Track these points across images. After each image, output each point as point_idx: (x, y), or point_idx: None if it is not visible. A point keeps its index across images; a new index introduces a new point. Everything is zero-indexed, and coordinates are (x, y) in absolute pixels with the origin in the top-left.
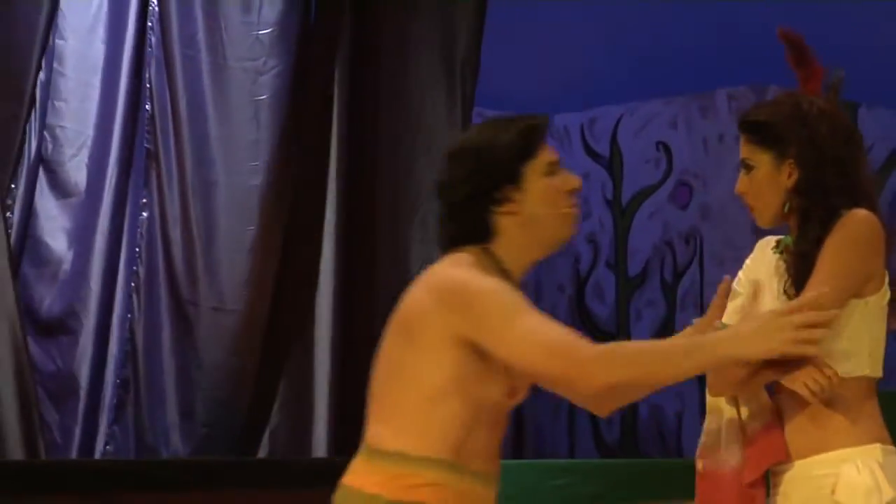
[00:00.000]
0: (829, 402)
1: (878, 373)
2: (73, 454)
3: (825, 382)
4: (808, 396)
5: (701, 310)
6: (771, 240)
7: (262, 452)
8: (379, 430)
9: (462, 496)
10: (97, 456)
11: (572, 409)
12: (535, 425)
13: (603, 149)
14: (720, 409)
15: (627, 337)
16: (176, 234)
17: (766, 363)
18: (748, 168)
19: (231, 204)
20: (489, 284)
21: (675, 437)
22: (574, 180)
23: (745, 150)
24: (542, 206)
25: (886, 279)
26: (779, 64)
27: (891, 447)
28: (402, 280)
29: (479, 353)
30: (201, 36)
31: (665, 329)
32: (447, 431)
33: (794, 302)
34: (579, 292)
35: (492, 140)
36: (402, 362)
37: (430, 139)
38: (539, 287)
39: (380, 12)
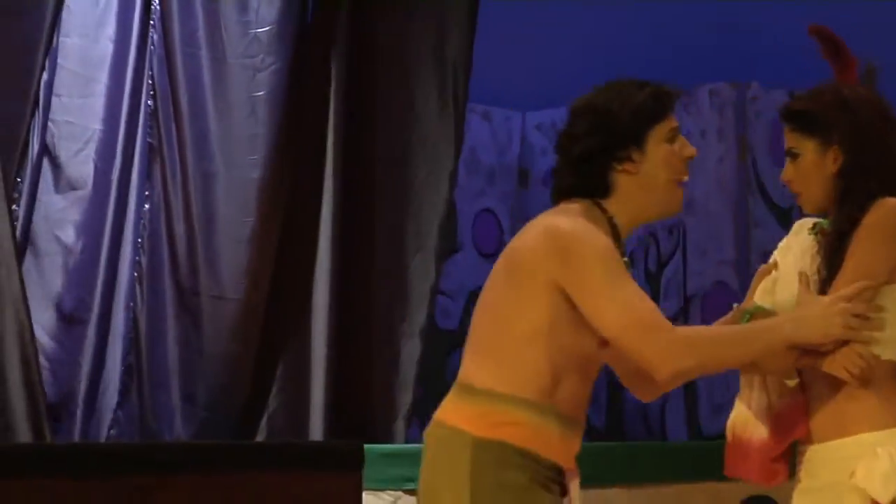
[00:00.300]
0: (850, 388)
1: None
2: (77, 438)
3: (863, 364)
4: (847, 378)
5: (684, 297)
6: (808, 221)
7: (261, 436)
8: (471, 367)
9: (546, 438)
10: (102, 439)
11: None
12: None
13: None
14: (751, 386)
15: None
16: (178, 225)
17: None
18: (794, 156)
19: (230, 196)
20: (596, 240)
21: (660, 422)
22: (691, 148)
23: (790, 140)
24: (661, 169)
25: None
26: (759, 61)
27: None
28: (397, 270)
29: (573, 302)
30: (201, 34)
31: None
32: (537, 373)
33: (848, 290)
34: None
35: (622, 100)
36: (500, 302)
37: (424, 135)
38: None
39: (376, 11)
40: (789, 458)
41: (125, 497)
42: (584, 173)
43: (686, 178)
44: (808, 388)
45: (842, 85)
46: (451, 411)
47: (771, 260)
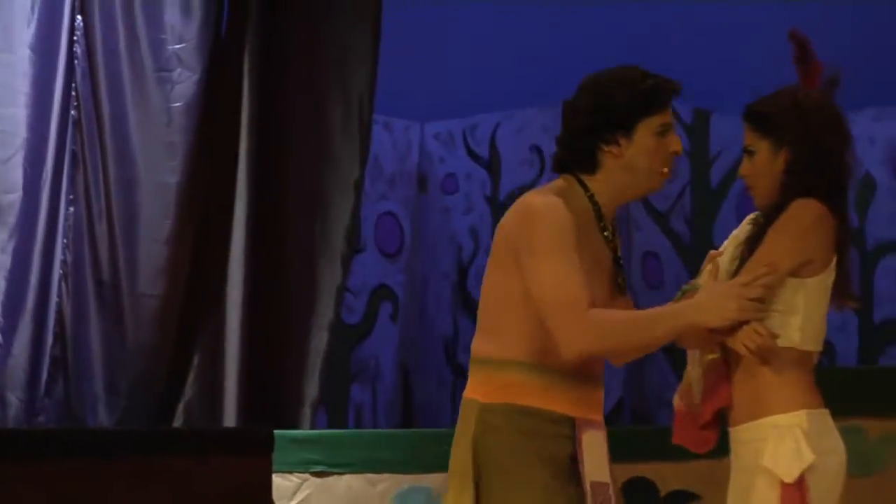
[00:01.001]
0: (761, 373)
1: (809, 347)
2: (9, 424)
3: (760, 340)
4: (745, 353)
5: None
6: (757, 214)
7: (178, 422)
8: (475, 342)
9: (548, 394)
10: (30, 426)
11: (456, 382)
12: (422, 397)
13: (483, 151)
14: (694, 359)
15: None
16: (100, 226)
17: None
18: (750, 154)
19: (150, 199)
20: (554, 215)
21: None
22: (678, 144)
23: (748, 138)
24: (644, 158)
25: (831, 264)
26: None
27: (818, 411)
28: (305, 270)
29: None
30: (122, 49)
31: None
32: (526, 337)
33: (745, 276)
34: (462, 279)
35: (622, 87)
36: (488, 279)
37: (330, 145)
38: (426, 275)
39: (285, 29)
40: (719, 426)
41: (50, 480)
42: (573, 147)
43: (666, 170)
44: (730, 372)
45: (800, 91)
46: (468, 386)
47: (721, 247)
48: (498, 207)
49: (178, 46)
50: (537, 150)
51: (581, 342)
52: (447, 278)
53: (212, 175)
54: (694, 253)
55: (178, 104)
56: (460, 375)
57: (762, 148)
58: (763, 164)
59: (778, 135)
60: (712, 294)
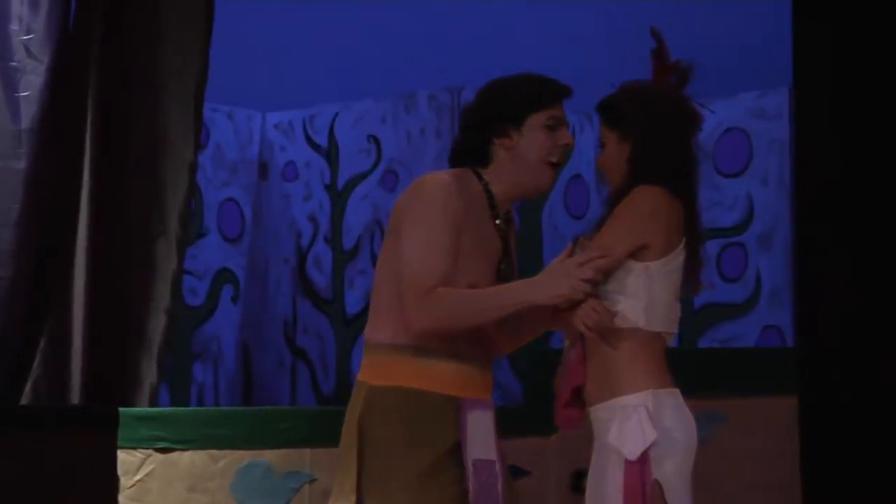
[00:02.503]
0: (612, 354)
1: (657, 328)
2: None
3: (597, 317)
4: (585, 331)
5: None
6: None
7: (25, 400)
8: (367, 324)
9: (433, 376)
10: None
11: (295, 362)
12: (261, 377)
13: (322, 140)
14: (566, 341)
15: (342, 302)
16: None
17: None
18: (602, 145)
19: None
20: (437, 193)
21: None
22: (568, 138)
23: (601, 131)
24: (533, 150)
25: (678, 248)
26: (471, 67)
27: (665, 391)
28: (144, 253)
29: None
30: None
31: None
32: (403, 317)
33: (579, 257)
34: (301, 264)
35: (514, 83)
36: (379, 259)
37: (165, 136)
38: (266, 259)
39: (127, 23)
40: (582, 406)
41: None
42: (468, 141)
43: (555, 160)
44: (586, 353)
45: (649, 86)
46: (360, 368)
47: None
48: (336, 195)
49: (26, 38)
50: (374, 139)
51: (423, 320)
52: (287, 263)
53: (58, 162)
54: None
55: (26, 94)
56: (299, 356)
57: (611, 139)
58: (612, 154)
59: (624, 127)
60: (548, 272)
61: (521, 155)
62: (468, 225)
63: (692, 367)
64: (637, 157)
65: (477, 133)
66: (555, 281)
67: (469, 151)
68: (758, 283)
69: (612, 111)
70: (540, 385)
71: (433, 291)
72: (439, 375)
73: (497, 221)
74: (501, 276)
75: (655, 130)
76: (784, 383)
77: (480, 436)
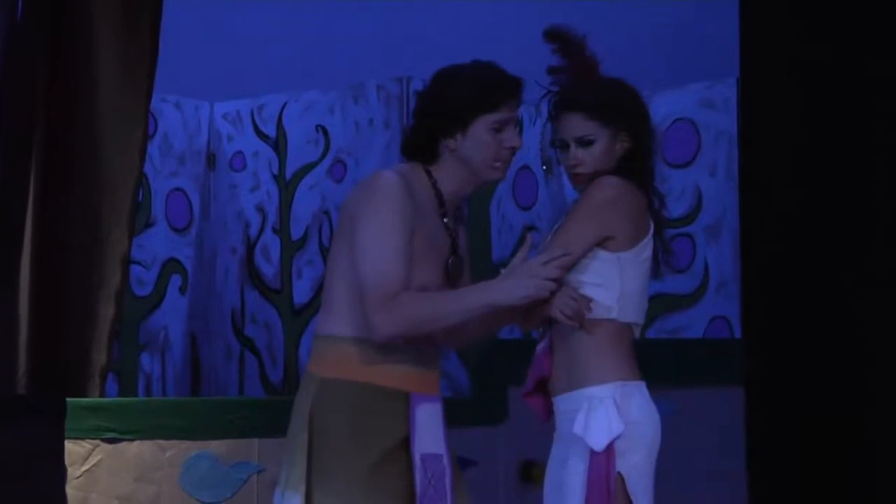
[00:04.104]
0: (579, 345)
1: (629, 318)
2: None
3: (575, 305)
4: (564, 320)
5: None
6: None
7: None
8: (318, 316)
9: (382, 370)
10: None
11: (243, 352)
12: (210, 367)
13: (270, 130)
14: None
15: (290, 292)
16: None
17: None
18: (587, 143)
19: None
20: (391, 192)
21: None
22: (515, 140)
23: (584, 128)
24: (478, 153)
25: (646, 238)
26: (420, 57)
27: (633, 383)
28: (93, 243)
29: None
30: None
31: (322, 284)
32: (353, 309)
33: (542, 256)
34: (249, 254)
35: (462, 82)
36: (330, 252)
37: (115, 126)
38: (214, 250)
39: (74, 17)
40: (546, 397)
41: None
42: (416, 136)
43: (499, 164)
44: (553, 345)
45: (624, 82)
46: (309, 359)
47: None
48: (284, 185)
49: None
50: (322, 129)
51: (387, 325)
52: (235, 253)
53: (7, 155)
54: None
55: None
56: (247, 346)
57: (603, 136)
58: (603, 151)
59: (618, 123)
60: (513, 273)
61: (465, 157)
62: (419, 224)
63: (640, 357)
64: (642, 155)
65: (423, 130)
66: (520, 282)
67: (417, 148)
68: (706, 273)
69: (605, 107)
70: (487, 374)
71: (395, 297)
72: (389, 369)
73: (445, 220)
74: (450, 275)
75: (646, 126)
76: (731, 374)
77: (429, 430)
